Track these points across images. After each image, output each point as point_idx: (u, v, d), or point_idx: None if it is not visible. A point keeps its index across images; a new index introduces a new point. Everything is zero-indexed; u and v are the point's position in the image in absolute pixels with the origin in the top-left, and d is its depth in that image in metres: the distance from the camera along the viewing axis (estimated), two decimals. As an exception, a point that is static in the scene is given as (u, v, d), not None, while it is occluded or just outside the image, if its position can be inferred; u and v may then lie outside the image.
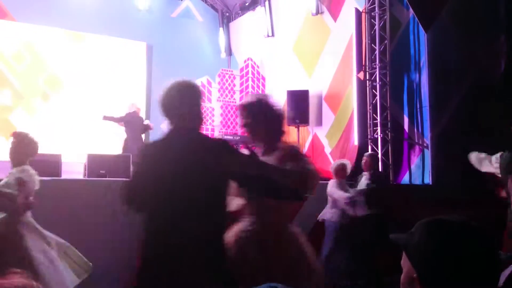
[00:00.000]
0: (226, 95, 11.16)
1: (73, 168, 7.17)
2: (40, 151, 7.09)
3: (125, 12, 11.13)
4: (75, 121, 10.29)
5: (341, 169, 6.02)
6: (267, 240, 2.46)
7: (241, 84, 11.26)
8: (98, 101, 10.58)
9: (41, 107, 10.16)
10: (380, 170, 7.47)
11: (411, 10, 7.63)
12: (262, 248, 2.43)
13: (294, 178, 2.41)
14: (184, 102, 2.49)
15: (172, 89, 2.53)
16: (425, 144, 7.47)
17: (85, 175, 6.10)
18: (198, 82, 11.00)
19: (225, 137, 9.87)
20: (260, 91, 11.12)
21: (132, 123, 8.92)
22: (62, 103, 10.29)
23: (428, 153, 7.37)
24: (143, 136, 9.20)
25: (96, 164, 6.05)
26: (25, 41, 10.09)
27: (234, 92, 11.28)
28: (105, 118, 9.00)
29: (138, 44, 11.43)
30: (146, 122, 9.23)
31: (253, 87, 11.08)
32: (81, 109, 10.44)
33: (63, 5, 10.32)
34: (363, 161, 6.53)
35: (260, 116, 2.70)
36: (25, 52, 10.08)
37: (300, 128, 9.20)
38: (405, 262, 1.20)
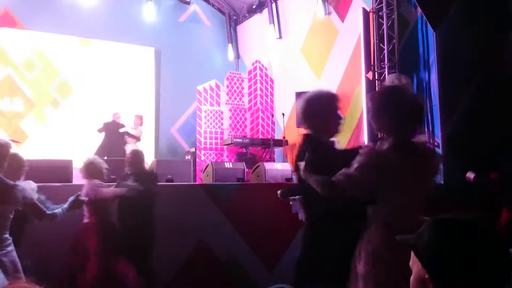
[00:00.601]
0: (235, 98, 11.18)
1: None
2: (51, 157, 7.17)
3: (134, 18, 11.23)
4: (85, 127, 10.36)
5: None
6: None
7: (250, 87, 11.28)
8: (108, 107, 10.64)
9: (52, 114, 10.26)
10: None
11: (419, 9, 7.58)
12: None
13: None
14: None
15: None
16: (435, 143, 7.41)
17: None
18: (206, 85, 11.03)
19: (234, 140, 9.90)
20: (268, 94, 11.14)
21: (109, 131, 9.22)
22: (73, 109, 10.39)
23: (439, 152, 7.31)
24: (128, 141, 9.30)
25: (108, 169, 6.06)
26: (35, 49, 10.20)
27: (242, 95, 11.29)
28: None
29: (146, 49, 11.51)
30: (123, 129, 9.34)
31: (261, 90, 11.09)
32: (91, 115, 10.50)
33: (72, 12, 10.44)
34: None
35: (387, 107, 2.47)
36: (36, 60, 10.19)
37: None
38: (414, 263, 1.19)
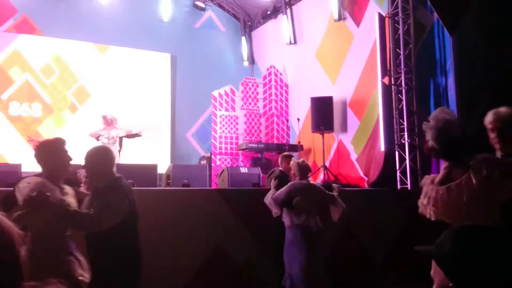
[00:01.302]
0: (250, 103, 11.20)
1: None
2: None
3: (150, 24, 11.35)
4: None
5: None
6: None
7: (264, 92, 11.30)
8: (125, 112, 10.76)
9: (69, 119, 10.39)
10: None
11: (435, 13, 7.54)
12: None
13: None
14: None
15: None
16: (453, 149, 7.33)
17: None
18: (221, 91, 11.08)
19: (249, 145, 9.91)
20: (283, 99, 11.14)
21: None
22: (90, 114, 10.49)
23: (456, 158, 7.23)
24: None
25: (124, 174, 6.11)
26: (53, 55, 10.35)
27: (257, 100, 11.32)
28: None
29: (162, 55, 11.61)
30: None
31: (276, 95, 11.10)
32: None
33: (89, 19, 10.59)
34: None
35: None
36: (54, 65, 10.35)
37: (324, 134, 9.17)
38: (436, 273, 1.18)
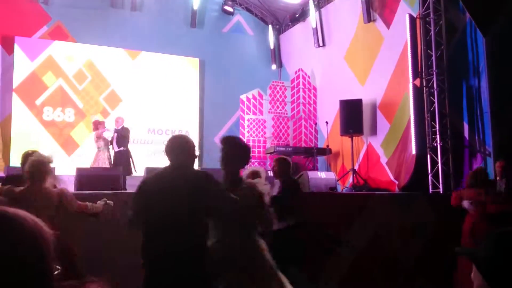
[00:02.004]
0: (278, 107, 11.20)
1: (134, 182, 7.40)
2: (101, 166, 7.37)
3: (179, 30, 11.52)
4: (133, 135, 10.65)
5: None
6: None
7: (292, 95, 11.28)
8: (154, 116, 10.95)
9: (101, 123, 10.59)
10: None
11: (467, 14, 7.38)
12: None
13: None
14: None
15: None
16: (487, 152, 7.16)
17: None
18: (249, 94, 11.13)
19: (277, 148, 9.90)
20: (311, 102, 11.10)
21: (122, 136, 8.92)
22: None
23: (490, 161, 7.05)
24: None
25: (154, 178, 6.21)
26: (86, 60, 10.60)
27: (285, 104, 11.30)
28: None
29: (191, 60, 11.73)
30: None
31: (304, 98, 11.07)
32: (139, 124, 10.80)
33: (120, 26, 10.83)
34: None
35: None
36: (86, 71, 10.59)
37: (354, 138, 9.08)
38: (476, 276, 1.15)
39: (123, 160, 8.54)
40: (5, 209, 0.92)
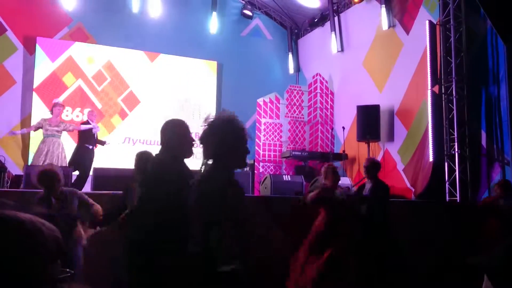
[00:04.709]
0: (294, 111, 11.17)
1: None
2: (118, 166, 7.49)
3: (198, 33, 11.59)
4: (150, 137, 10.74)
5: None
6: None
7: (309, 100, 11.25)
8: (171, 118, 11.00)
9: (119, 124, 10.70)
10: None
11: (488, 21, 7.29)
12: None
13: None
14: None
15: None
16: (505, 161, 7.04)
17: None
18: (266, 98, 11.12)
19: (293, 153, 9.88)
20: (328, 107, 11.05)
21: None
22: (139, 120, 10.78)
23: (509, 170, 6.94)
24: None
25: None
26: (105, 62, 10.72)
27: (302, 108, 11.28)
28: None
29: (209, 63, 11.79)
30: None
31: (321, 103, 11.03)
32: (156, 125, 10.88)
33: (140, 28, 10.95)
34: None
35: None
36: (105, 72, 10.71)
37: (370, 143, 9.02)
38: (487, 286, 1.14)
39: (91, 158, 8.18)
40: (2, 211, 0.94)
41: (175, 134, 2.95)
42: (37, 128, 8.16)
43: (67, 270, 1.17)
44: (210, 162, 2.57)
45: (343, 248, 4.53)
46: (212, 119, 2.58)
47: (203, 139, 2.52)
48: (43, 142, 7.92)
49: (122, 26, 10.75)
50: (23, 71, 10.09)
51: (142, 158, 4.22)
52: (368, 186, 5.31)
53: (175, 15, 11.33)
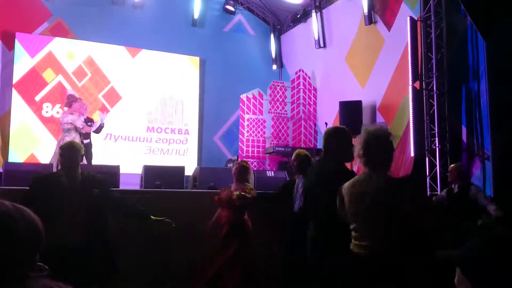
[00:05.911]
0: (278, 107, 11.18)
1: (131, 179, 7.41)
2: (99, 162, 7.40)
3: (180, 28, 11.52)
4: (132, 133, 10.66)
5: None
6: None
7: (292, 96, 11.27)
8: (153, 114, 10.95)
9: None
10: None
11: (468, 17, 7.37)
12: None
13: None
14: None
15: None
16: (485, 156, 7.15)
17: (141, 186, 6.28)
18: (249, 94, 11.10)
19: (276, 148, 9.90)
20: (311, 103, 11.09)
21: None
22: (120, 116, 10.67)
23: (489, 165, 7.05)
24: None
25: (152, 175, 6.22)
26: (86, 57, 10.58)
27: (285, 104, 11.29)
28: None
29: (191, 58, 11.72)
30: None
31: (304, 99, 11.06)
32: (138, 121, 10.81)
33: (121, 23, 10.83)
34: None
35: None
36: (86, 68, 10.57)
37: (353, 139, 9.06)
38: (460, 283, 1.15)
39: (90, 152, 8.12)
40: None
41: (340, 142, 3.43)
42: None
43: (45, 267, 1.14)
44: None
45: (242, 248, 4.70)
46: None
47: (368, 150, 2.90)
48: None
49: (103, 21, 10.61)
50: (2, 67, 9.92)
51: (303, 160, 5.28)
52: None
53: (157, 10, 11.22)
